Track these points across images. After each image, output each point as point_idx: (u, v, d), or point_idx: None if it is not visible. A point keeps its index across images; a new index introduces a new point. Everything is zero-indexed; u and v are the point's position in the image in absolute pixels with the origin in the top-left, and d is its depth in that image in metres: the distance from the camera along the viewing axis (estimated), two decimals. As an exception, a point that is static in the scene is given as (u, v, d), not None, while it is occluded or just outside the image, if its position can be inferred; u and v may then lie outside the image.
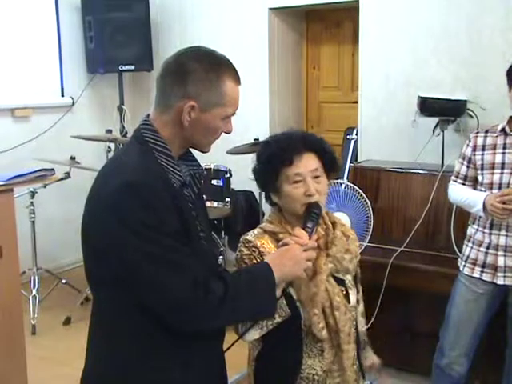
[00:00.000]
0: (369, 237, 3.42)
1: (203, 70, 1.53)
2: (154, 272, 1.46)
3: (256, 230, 1.91)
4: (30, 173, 3.15)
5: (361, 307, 2.07)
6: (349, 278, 1.93)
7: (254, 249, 1.83)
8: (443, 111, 3.86)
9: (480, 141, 2.77)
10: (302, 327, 1.82)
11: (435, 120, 3.95)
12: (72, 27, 5.24)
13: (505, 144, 2.70)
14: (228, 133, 1.64)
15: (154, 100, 1.62)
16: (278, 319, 1.75)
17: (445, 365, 2.88)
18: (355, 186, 3.51)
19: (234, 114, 1.61)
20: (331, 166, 1.88)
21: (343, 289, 1.89)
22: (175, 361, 1.57)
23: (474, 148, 2.77)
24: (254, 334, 1.75)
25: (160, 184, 1.50)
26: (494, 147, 2.72)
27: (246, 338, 1.76)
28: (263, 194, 1.97)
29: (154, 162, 1.54)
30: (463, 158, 2.83)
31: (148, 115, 1.61)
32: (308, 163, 1.82)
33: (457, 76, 4.05)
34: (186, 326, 1.53)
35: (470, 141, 2.81)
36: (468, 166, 2.81)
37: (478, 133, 2.82)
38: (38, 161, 4.25)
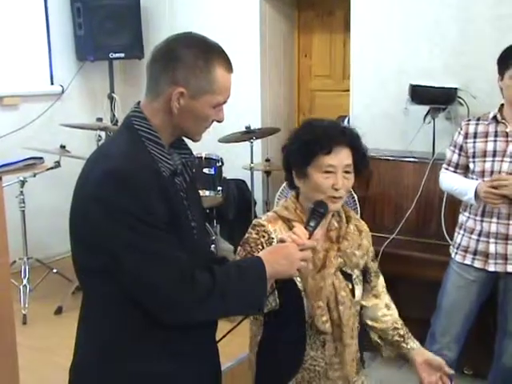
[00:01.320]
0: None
1: (193, 57, 1.51)
2: (140, 263, 1.43)
3: (270, 214, 1.89)
4: (19, 161, 3.13)
5: (384, 301, 2.04)
6: (356, 273, 1.92)
7: (263, 233, 1.81)
8: (434, 99, 3.87)
9: (471, 129, 2.77)
10: (306, 319, 1.81)
11: (426, 108, 3.95)
12: (61, 14, 5.18)
13: (496, 132, 2.71)
14: (219, 121, 1.61)
15: (144, 87, 1.60)
16: (264, 311, 1.73)
17: (436, 350, 2.88)
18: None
19: (225, 102, 1.58)
20: (362, 165, 1.86)
21: (349, 284, 1.88)
22: (165, 352, 1.55)
23: (466, 136, 2.78)
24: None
25: (148, 172, 1.48)
26: (486, 135, 2.73)
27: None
28: (290, 173, 1.90)
29: (143, 150, 1.51)
30: (454, 146, 2.84)
31: (139, 103, 1.59)
32: (342, 157, 1.80)
33: (448, 64, 4.05)
34: (172, 318, 1.50)
35: (461, 129, 2.82)
36: (459, 154, 2.81)
37: (469, 121, 2.82)
38: (28, 149, 4.23)
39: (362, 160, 1.85)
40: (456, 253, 2.83)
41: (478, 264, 2.75)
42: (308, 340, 1.84)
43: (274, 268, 1.58)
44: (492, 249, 2.70)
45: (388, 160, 3.82)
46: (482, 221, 2.72)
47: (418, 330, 3.15)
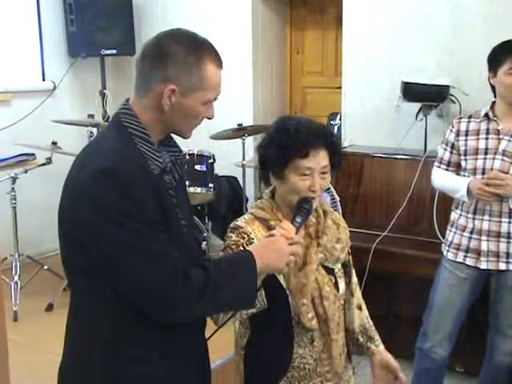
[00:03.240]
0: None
1: (183, 53, 1.49)
2: (132, 262, 1.42)
3: (246, 216, 1.89)
4: (11, 158, 3.13)
5: (356, 299, 2.02)
6: (338, 267, 1.92)
7: (243, 235, 1.81)
8: (426, 96, 3.88)
9: (463, 126, 2.78)
10: (293, 316, 1.81)
11: (418, 105, 3.96)
12: (53, 10, 5.15)
13: (488, 129, 2.72)
14: (209, 118, 1.60)
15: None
16: (253, 310, 1.73)
17: (428, 348, 2.91)
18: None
19: (215, 98, 1.57)
20: (337, 165, 1.86)
21: (332, 278, 1.87)
22: (154, 351, 1.53)
23: (458, 133, 2.78)
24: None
25: (139, 170, 1.46)
26: (478, 132, 2.73)
27: (218, 322, 1.72)
28: (266, 171, 1.90)
29: (132, 147, 1.50)
30: (446, 144, 2.84)
31: (128, 99, 1.57)
32: (319, 159, 1.79)
33: (440, 61, 4.06)
34: (166, 317, 1.49)
35: (453, 126, 2.82)
36: (451, 152, 2.82)
37: (461, 118, 2.83)
38: (19, 146, 4.21)
39: (337, 160, 1.85)
40: (448, 250, 2.83)
41: (469, 261, 2.75)
42: (296, 338, 1.83)
43: (264, 262, 1.57)
44: (484, 246, 2.71)
45: (380, 157, 3.82)
46: (473, 218, 2.72)
47: (409, 327, 3.19)
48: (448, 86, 3.82)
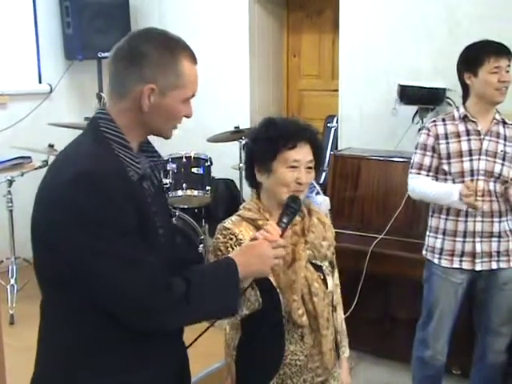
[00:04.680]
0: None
1: (157, 52, 1.46)
2: (110, 272, 1.38)
3: (233, 217, 1.91)
4: (7, 160, 3.12)
5: (336, 297, 2.03)
6: (326, 264, 1.95)
7: (231, 236, 1.83)
8: (422, 99, 3.89)
9: (441, 129, 2.75)
10: (283, 314, 1.82)
11: (415, 108, 3.97)
12: (49, 12, 5.15)
13: (468, 130, 2.72)
14: (188, 117, 1.56)
15: None
16: (245, 311, 1.73)
17: (429, 357, 2.89)
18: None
19: (193, 95, 1.54)
20: (319, 163, 1.92)
21: (321, 275, 1.90)
22: (130, 362, 1.50)
23: (437, 137, 2.74)
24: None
25: (117, 176, 1.42)
26: (458, 135, 2.72)
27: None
28: (244, 173, 1.98)
29: (110, 153, 1.46)
30: (424, 149, 2.77)
31: (104, 104, 1.55)
32: (306, 153, 1.86)
33: (436, 64, 4.06)
34: (144, 326, 1.45)
35: (429, 130, 2.77)
36: (432, 156, 2.76)
37: (435, 121, 2.80)
38: (16, 149, 4.20)
39: (320, 158, 1.91)
40: (440, 258, 2.78)
41: (466, 265, 2.74)
42: (286, 335, 1.84)
43: (247, 268, 1.55)
44: (478, 248, 2.72)
45: (377, 160, 3.82)
46: (465, 221, 2.71)
47: (406, 330, 3.19)
48: (444, 89, 3.84)
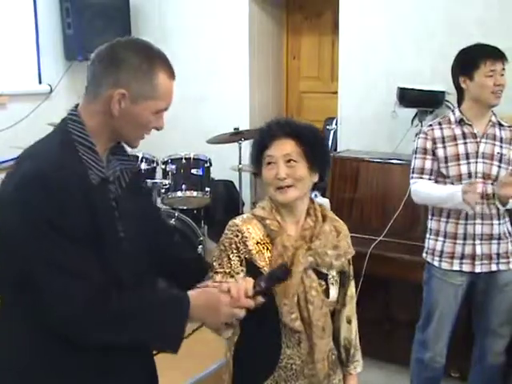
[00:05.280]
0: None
1: (137, 60, 1.48)
2: (46, 273, 1.36)
3: (245, 215, 1.93)
4: (7, 161, 3.12)
5: (348, 312, 1.99)
6: (332, 274, 1.91)
7: (237, 233, 1.84)
8: (422, 102, 3.90)
9: (437, 133, 2.76)
10: (280, 318, 1.81)
11: (414, 111, 3.97)
12: (49, 13, 5.15)
13: (464, 134, 2.73)
14: (158, 129, 1.56)
15: None
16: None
17: (429, 359, 2.90)
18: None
19: (166, 109, 1.55)
20: (312, 154, 1.84)
21: (323, 283, 1.87)
22: (91, 375, 1.47)
23: (434, 141, 2.76)
24: (228, 333, 1.70)
25: (73, 178, 1.40)
26: (454, 138, 2.74)
27: (223, 335, 1.70)
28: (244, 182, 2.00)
29: (73, 154, 1.45)
30: (424, 153, 2.78)
31: (77, 105, 1.54)
32: (282, 147, 1.83)
33: (435, 67, 4.07)
34: (75, 338, 1.42)
35: (426, 134, 2.78)
36: (433, 159, 2.77)
37: (431, 125, 2.81)
38: (15, 149, 4.19)
39: (310, 148, 1.84)
40: (440, 261, 2.79)
41: (466, 268, 2.75)
42: (284, 338, 1.84)
43: (199, 315, 1.53)
44: (478, 250, 2.73)
45: (376, 162, 3.83)
46: (465, 224, 2.72)
47: (405, 332, 3.19)
48: (443, 92, 3.84)
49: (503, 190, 2.59)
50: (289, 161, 1.83)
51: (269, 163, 1.84)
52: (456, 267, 2.76)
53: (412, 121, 4.01)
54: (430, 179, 2.78)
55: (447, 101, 3.86)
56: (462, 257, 2.75)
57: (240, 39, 5.03)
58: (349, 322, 2.00)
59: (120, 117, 1.48)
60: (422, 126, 3.89)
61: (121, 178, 1.57)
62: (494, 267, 2.75)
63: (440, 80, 3.95)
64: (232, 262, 1.83)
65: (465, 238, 2.74)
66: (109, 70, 1.48)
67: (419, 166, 2.80)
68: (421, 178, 2.79)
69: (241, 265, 1.83)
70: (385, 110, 4.19)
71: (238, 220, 1.89)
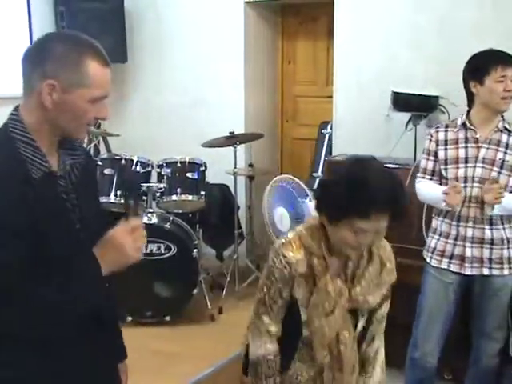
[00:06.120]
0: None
1: (64, 50, 1.47)
2: None
3: (294, 237, 1.82)
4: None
5: (379, 328, 1.96)
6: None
7: (286, 265, 1.78)
8: (416, 106, 3.91)
9: (441, 136, 2.81)
10: (302, 340, 1.82)
11: (408, 115, 3.99)
12: (44, 18, 5.15)
13: (466, 138, 2.76)
14: (103, 119, 1.56)
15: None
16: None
17: (419, 357, 2.92)
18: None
19: (104, 97, 1.53)
20: (396, 221, 1.74)
21: (354, 321, 1.85)
22: (22, 371, 1.48)
23: (437, 143, 2.81)
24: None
25: (9, 177, 1.42)
26: (456, 142, 2.77)
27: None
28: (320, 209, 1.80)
29: (11, 152, 1.46)
30: (428, 154, 2.85)
31: (17, 106, 1.55)
32: (380, 223, 1.70)
33: (429, 71, 4.09)
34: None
35: (431, 136, 2.84)
36: (435, 161, 2.83)
37: (438, 127, 2.86)
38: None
39: (398, 218, 1.73)
40: (431, 257, 2.86)
41: (454, 268, 2.79)
42: (298, 351, 1.85)
43: (106, 262, 1.51)
44: (468, 253, 2.75)
45: (370, 166, 3.84)
46: (457, 225, 2.76)
47: (402, 336, 3.18)
48: (437, 97, 3.86)
49: (486, 197, 2.62)
50: (378, 232, 1.73)
51: (356, 232, 1.69)
52: (444, 265, 2.81)
53: (406, 125, 4.03)
54: (431, 179, 2.85)
55: (441, 105, 3.88)
56: (452, 256, 2.79)
57: (235, 44, 5.04)
58: (372, 338, 1.96)
59: (54, 108, 1.48)
60: (416, 130, 3.91)
61: (71, 172, 1.58)
62: (485, 271, 2.77)
63: (433, 84, 3.98)
64: (284, 294, 1.81)
65: (456, 239, 2.78)
66: (36, 63, 1.47)
67: (423, 166, 2.89)
68: (423, 177, 2.88)
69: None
70: (379, 114, 4.21)
71: (287, 250, 1.79)
